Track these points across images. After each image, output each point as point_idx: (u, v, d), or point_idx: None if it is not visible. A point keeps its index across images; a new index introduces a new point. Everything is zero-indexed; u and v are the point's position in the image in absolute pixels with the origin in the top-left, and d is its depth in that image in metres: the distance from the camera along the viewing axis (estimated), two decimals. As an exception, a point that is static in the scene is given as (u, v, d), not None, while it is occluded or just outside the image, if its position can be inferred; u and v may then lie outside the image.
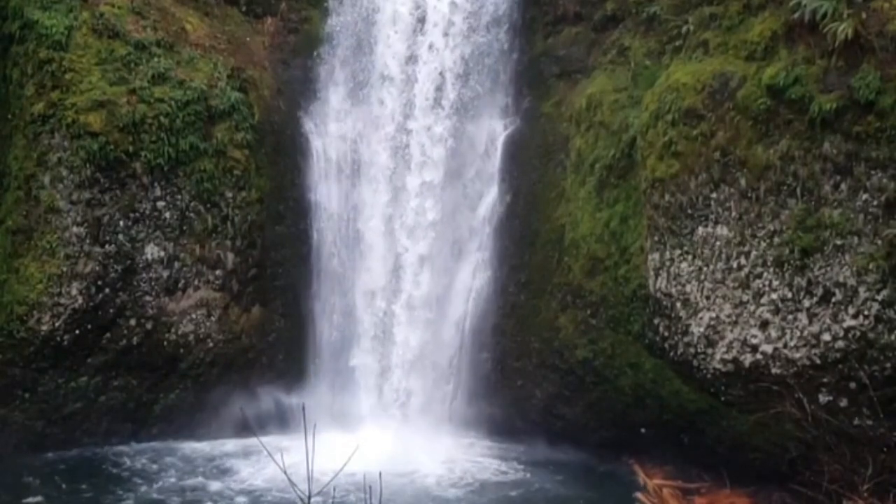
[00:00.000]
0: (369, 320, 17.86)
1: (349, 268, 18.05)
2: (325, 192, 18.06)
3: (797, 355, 12.94)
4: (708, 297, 13.77)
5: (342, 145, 18.18)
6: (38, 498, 13.83)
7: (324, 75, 18.41)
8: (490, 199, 17.59)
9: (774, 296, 13.08)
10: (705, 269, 13.77)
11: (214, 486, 14.76)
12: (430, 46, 17.72)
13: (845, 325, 12.47)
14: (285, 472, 5.11)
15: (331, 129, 18.20)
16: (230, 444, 16.45)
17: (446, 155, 17.54)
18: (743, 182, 13.21)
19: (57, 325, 15.67)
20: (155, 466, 15.51)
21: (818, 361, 12.76)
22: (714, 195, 13.55)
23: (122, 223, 16.06)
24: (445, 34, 17.73)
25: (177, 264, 16.52)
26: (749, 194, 13.19)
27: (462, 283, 17.63)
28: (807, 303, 12.81)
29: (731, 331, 13.54)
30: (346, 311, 17.99)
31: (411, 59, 17.83)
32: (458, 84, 17.59)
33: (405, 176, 17.72)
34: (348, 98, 18.29)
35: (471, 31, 17.65)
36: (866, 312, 12.27)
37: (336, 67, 18.43)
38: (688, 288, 13.97)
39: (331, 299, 18.05)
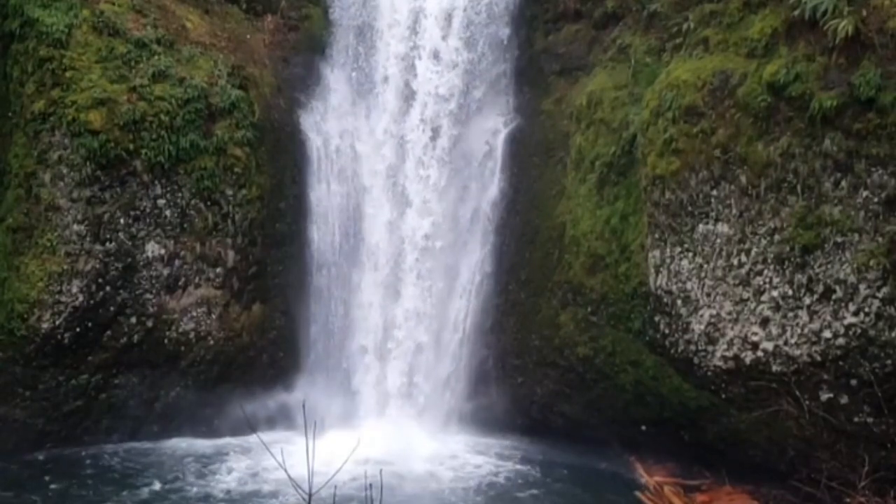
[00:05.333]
0: (370, 318, 17.87)
1: (350, 265, 18.05)
2: (326, 190, 18.07)
3: (798, 353, 12.94)
4: (708, 295, 13.78)
5: (342, 143, 18.18)
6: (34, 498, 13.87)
7: (324, 72, 18.41)
8: (490, 196, 17.60)
9: (775, 293, 13.08)
10: (706, 266, 13.77)
11: (213, 483, 14.77)
12: (430, 43, 17.72)
13: (846, 322, 12.47)
14: (286, 471, 5.12)
15: (331, 127, 18.20)
16: (231, 442, 16.46)
17: (447, 152, 17.55)
18: (743, 179, 13.21)
19: (57, 322, 15.67)
20: (154, 464, 15.51)
21: (819, 359, 12.75)
22: (714, 192, 13.55)
23: (122, 221, 16.06)
24: (444, 34, 17.74)
25: (177, 262, 16.53)
26: (749, 191, 13.18)
27: (463, 280, 17.64)
28: (807, 300, 12.81)
29: (732, 328, 13.55)
30: (347, 309, 17.99)
31: (411, 55, 17.81)
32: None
33: (405, 173, 17.73)
34: (348, 95, 18.29)
35: (471, 30, 17.65)
36: (867, 309, 12.27)
37: (336, 65, 18.43)
38: (688, 285, 13.97)
39: (331, 297, 18.05)
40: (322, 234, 18.04)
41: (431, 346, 17.54)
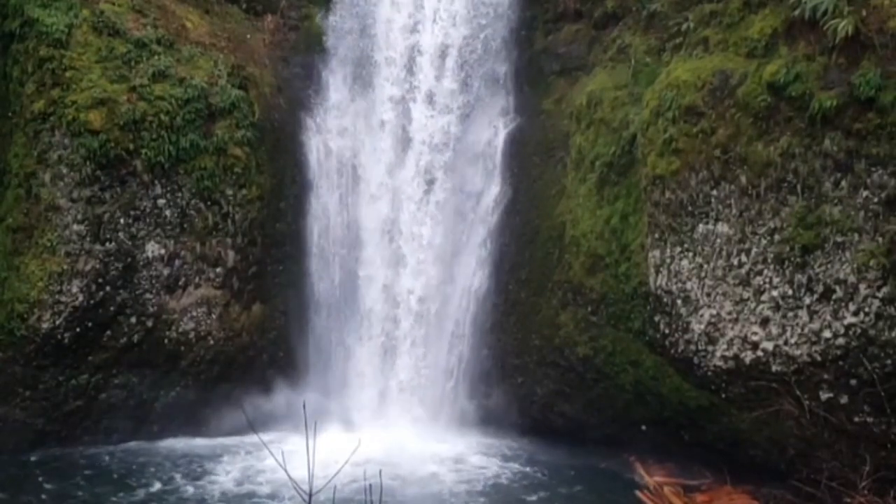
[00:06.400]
0: (370, 317, 17.86)
1: (350, 265, 18.04)
2: (326, 189, 18.07)
3: (798, 352, 12.94)
4: (708, 295, 13.77)
5: (342, 142, 18.17)
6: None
7: (324, 72, 18.40)
8: (491, 196, 17.60)
9: (775, 293, 13.08)
10: (706, 266, 13.76)
11: (210, 485, 14.73)
12: (425, 85, 17.63)
13: (846, 322, 12.47)
14: (286, 471, 5.11)
15: (331, 126, 18.20)
16: (226, 442, 16.41)
17: (446, 152, 17.53)
18: (743, 179, 13.21)
19: (57, 322, 15.67)
20: (151, 465, 15.49)
21: (819, 358, 12.75)
22: (714, 192, 13.55)
23: (122, 221, 16.06)
24: (445, 30, 17.71)
25: (177, 262, 16.52)
26: (749, 191, 13.18)
27: (463, 280, 17.64)
28: (807, 300, 12.81)
29: (732, 328, 13.54)
30: (347, 309, 17.98)
31: (407, 98, 17.75)
32: (459, 81, 17.57)
33: (405, 172, 17.71)
34: (348, 94, 18.28)
35: (465, 69, 17.56)
36: (867, 309, 12.27)
37: (336, 64, 18.42)
38: (688, 285, 13.96)
39: (332, 297, 18.03)
40: (322, 232, 18.00)
41: (432, 346, 17.52)
